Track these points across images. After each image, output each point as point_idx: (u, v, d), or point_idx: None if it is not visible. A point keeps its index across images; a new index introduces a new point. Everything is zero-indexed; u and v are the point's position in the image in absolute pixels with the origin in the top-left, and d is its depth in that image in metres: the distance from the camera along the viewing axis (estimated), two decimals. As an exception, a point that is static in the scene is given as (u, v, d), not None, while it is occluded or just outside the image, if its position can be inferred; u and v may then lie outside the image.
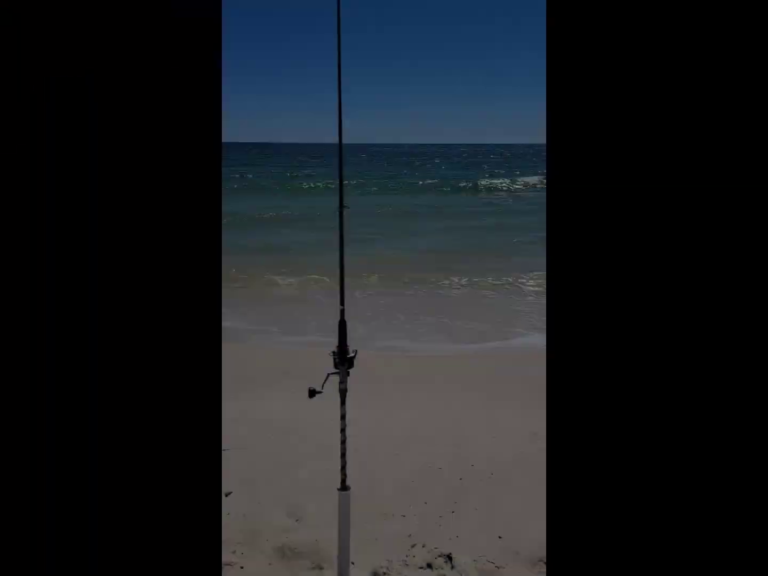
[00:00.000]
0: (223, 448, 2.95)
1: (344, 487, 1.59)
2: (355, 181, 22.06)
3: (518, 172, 27.47)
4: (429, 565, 1.83)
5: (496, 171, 30.62)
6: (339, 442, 1.59)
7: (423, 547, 1.91)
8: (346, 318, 1.57)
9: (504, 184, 22.73)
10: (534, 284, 6.72)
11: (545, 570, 1.81)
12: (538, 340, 4.70)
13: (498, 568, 1.81)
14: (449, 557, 1.85)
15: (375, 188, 21.16)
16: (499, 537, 1.96)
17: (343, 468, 1.59)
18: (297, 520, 2.06)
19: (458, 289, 6.73)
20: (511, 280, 6.92)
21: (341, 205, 1.58)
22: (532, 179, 23.32)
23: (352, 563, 1.74)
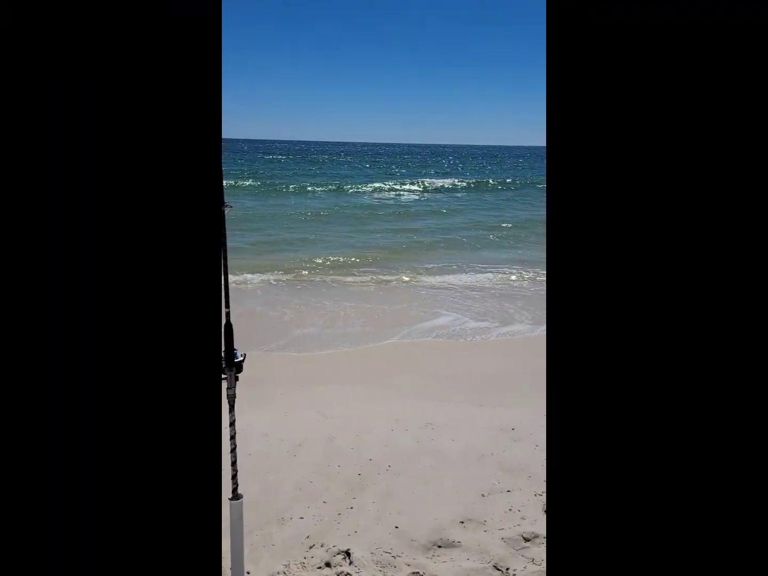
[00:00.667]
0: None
1: (236, 496, 1.52)
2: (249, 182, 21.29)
3: (433, 173, 28.42)
4: (327, 564, 1.83)
5: (396, 171, 31.33)
6: (228, 451, 1.53)
7: (321, 546, 1.91)
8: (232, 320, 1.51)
9: (388, 186, 22.52)
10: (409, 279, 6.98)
11: (439, 554, 1.89)
12: (431, 330, 4.90)
13: (394, 557, 1.85)
14: (347, 553, 1.87)
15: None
16: (396, 527, 2.01)
17: (234, 477, 1.53)
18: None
19: (352, 286, 6.79)
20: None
21: (222, 204, 1.52)
22: (442, 181, 23.66)
23: (248, 573, 1.69)
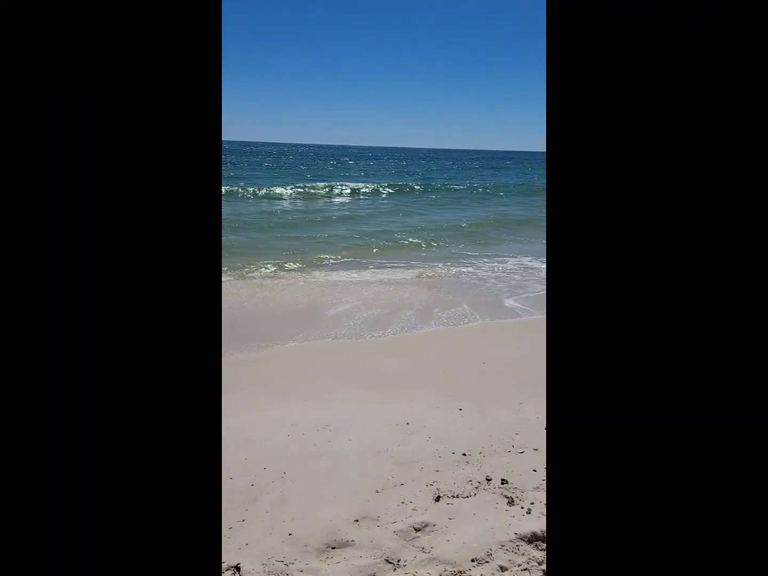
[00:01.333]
0: None
1: None
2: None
3: (363, 174, 27.87)
4: (216, 582, 1.76)
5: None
6: None
7: (210, 564, 1.83)
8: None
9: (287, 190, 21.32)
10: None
11: (333, 555, 1.89)
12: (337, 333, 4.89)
13: (287, 565, 1.83)
14: (237, 568, 1.81)
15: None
16: (289, 534, 1.98)
17: None
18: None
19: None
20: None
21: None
22: (358, 185, 22.63)
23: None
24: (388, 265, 8.07)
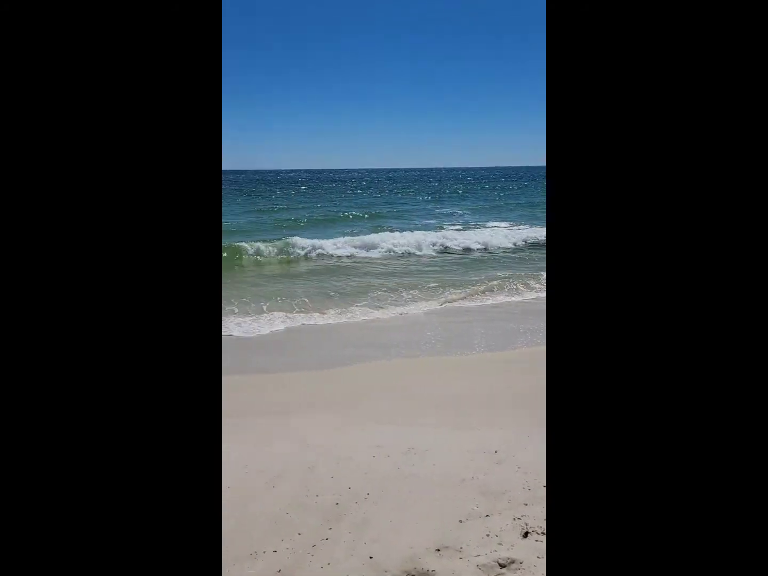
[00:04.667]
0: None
1: None
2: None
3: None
4: (298, 599, 1.79)
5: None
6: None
7: (293, 581, 1.87)
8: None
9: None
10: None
11: (413, 583, 1.85)
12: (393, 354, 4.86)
13: (367, 589, 1.81)
14: (319, 587, 1.83)
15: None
16: (370, 557, 1.97)
17: None
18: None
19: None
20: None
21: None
22: None
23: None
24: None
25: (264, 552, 2.03)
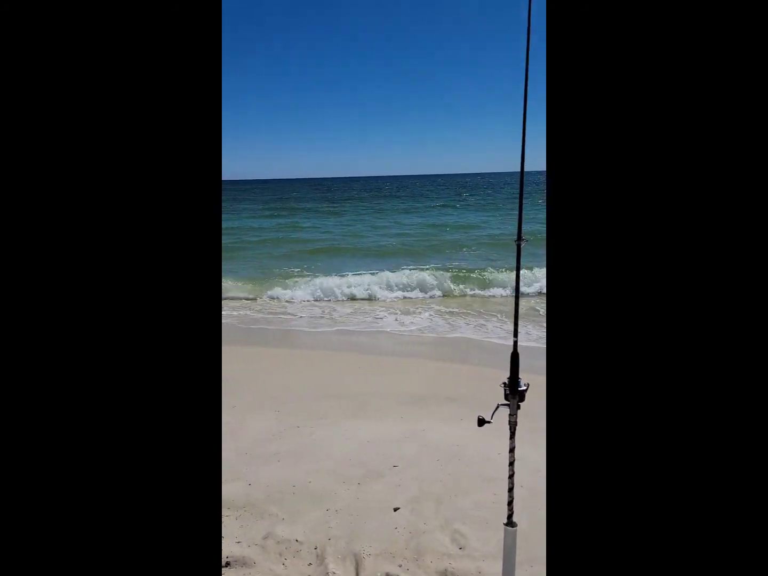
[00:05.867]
0: (393, 465, 2.51)
1: (511, 523, 1.49)
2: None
3: None
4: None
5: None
6: (505, 476, 1.50)
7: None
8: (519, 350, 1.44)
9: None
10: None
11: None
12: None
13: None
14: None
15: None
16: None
17: (510, 503, 1.49)
18: (461, 548, 2.04)
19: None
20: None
21: (519, 238, 1.44)
22: None
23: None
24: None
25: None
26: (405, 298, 8.33)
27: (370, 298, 8.33)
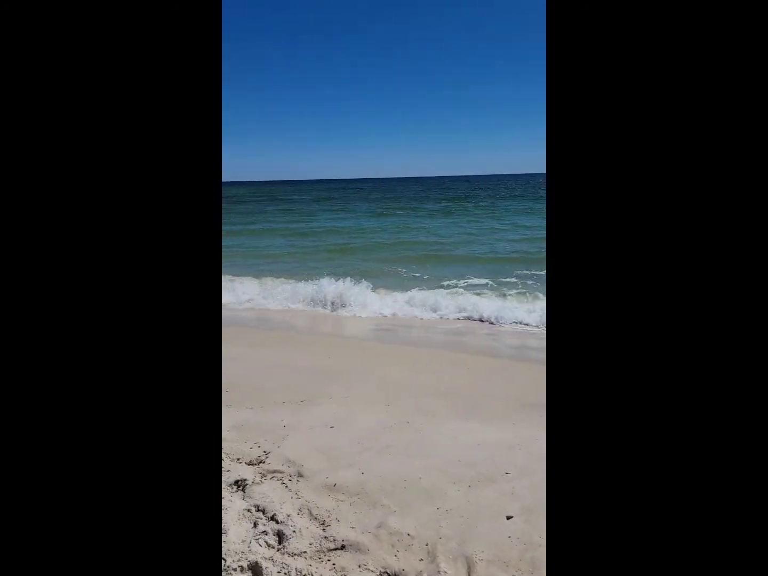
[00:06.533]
0: (505, 471, 2.57)
1: None
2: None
3: None
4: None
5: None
6: None
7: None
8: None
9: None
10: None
11: None
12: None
13: None
14: None
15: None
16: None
17: None
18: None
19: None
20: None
21: None
22: None
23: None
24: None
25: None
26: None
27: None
